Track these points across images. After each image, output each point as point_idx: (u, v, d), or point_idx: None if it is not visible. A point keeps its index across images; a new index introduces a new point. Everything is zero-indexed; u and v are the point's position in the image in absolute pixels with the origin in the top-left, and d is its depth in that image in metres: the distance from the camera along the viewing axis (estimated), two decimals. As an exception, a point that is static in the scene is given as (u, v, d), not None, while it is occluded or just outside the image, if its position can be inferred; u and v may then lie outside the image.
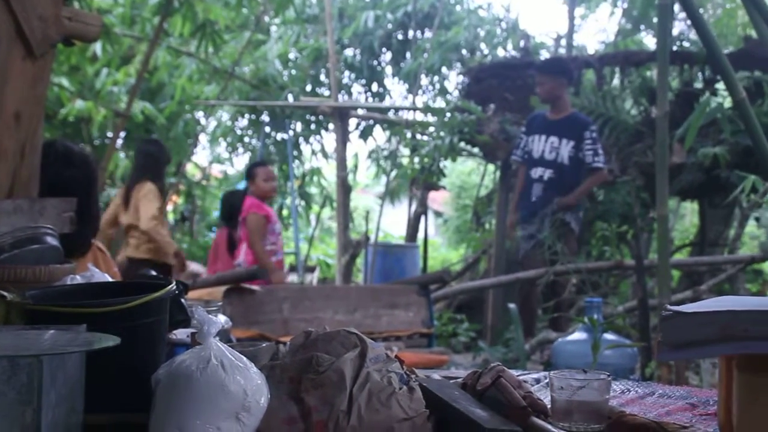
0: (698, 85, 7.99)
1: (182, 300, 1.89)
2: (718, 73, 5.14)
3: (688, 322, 1.23)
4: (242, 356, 1.37)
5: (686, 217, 13.56)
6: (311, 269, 11.97)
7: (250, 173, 7.05)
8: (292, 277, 10.89)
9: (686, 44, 8.84)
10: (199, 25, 8.40)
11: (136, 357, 1.44)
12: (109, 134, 11.13)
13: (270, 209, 6.93)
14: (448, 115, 8.31)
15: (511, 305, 4.94)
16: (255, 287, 4.86)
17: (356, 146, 15.02)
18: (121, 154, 11.18)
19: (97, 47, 8.81)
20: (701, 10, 9.18)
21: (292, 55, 12.27)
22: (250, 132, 13.10)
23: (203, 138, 13.75)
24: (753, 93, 6.97)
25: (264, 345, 1.64)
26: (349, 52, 12.06)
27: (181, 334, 1.91)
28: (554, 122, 6.26)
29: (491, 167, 9.74)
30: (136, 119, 10.01)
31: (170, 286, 1.55)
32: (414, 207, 10.35)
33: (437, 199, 15.14)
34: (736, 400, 1.24)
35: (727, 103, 6.78)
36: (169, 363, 1.35)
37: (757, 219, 9.09)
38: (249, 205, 6.65)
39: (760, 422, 1.19)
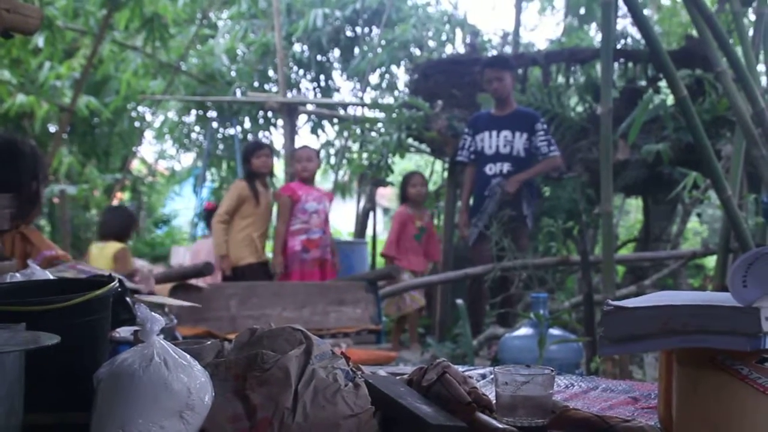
0: (642, 82, 8.10)
1: (127, 298, 1.87)
2: (661, 71, 5.22)
3: (628, 316, 1.25)
4: (186, 354, 1.35)
5: (631, 213, 13.76)
6: (260, 266, 11.86)
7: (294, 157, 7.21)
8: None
9: (630, 42, 8.96)
10: (147, 19, 8.29)
11: (77, 355, 1.42)
12: (53, 129, 10.94)
13: (306, 188, 6.91)
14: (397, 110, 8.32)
15: (459, 301, 4.96)
16: (202, 284, 4.80)
17: (305, 142, 14.97)
18: (65, 150, 10.98)
19: (40, 40, 8.65)
20: (645, 9, 9.32)
21: (239, 51, 12.18)
22: (197, 128, 12.97)
23: (149, 134, 13.59)
24: (694, 91, 7.09)
25: (209, 342, 1.63)
26: (297, 47, 12.01)
27: (124, 332, 1.89)
28: (503, 118, 6.30)
29: (439, 163, 9.78)
30: (80, 114, 9.85)
31: (111, 284, 1.52)
32: (362, 203, 10.35)
33: (386, 195, 15.15)
34: (675, 393, 1.26)
35: (670, 100, 6.89)
36: (111, 361, 1.33)
37: (699, 215, 9.26)
38: (282, 188, 7.04)
39: (698, 414, 1.21)
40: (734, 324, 1.13)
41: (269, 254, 7.11)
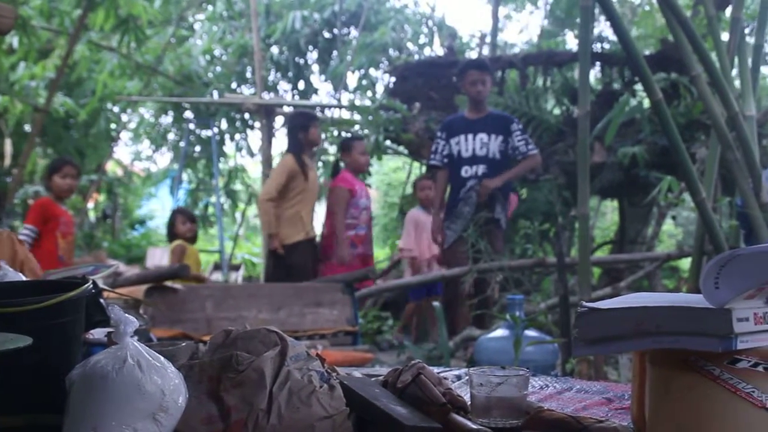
0: (618, 85, 8.16)
1: (101, 300, 1.85)
2: (637, 74, 5.26)
3: (602, 318, 1.25)
4: (160, 356, 1.34)
5: (607, 215, 13.85)
6: (236, 267, 11.87)
7: (346, 146, 7.08)
8: (216, 276, 10.79)
9: (607, 46, 9.02)
10: (122, 20, 8.25)
11: (50, 357, 1.41)
12: (27, 129, 10.86)
13: (359, 183, 6.97)
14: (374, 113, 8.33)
15: (436, 303, 4.97)
16: (177, 286, 4.78)
17: (282, 144, 14.96)
18: (39, 151, 10.91)
19: (14, 40, 8.59)
20: (621, 14, 9.37)
21: (216, 52, 12.15)
22: (174, 129, 12.93)
23: (125, 135, 13.52)
24: (670, 94, 7.15)
25: (183, 344, 1.62)
26: (275, 49, 11.99)
27: (98, 333, 1.87)
28: (477, 120, 6.31)
29: (417, 165, 9.80)
30: (55, 115, 9.78)
31: (85, 286, 1.51)
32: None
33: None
34: (648, 394, 1.27)
35: (646, 103, 6.94)
36: (84, 363, 1.32)
37: (674, 218, 9.34)
38: (339, 179, 6.86)
39: (670, 415, 1.22)
40: (706, 325, 1.14)
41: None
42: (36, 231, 6.22)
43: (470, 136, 6.27)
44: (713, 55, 4.25)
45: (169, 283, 4.70)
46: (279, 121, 11.51)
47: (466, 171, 6.26)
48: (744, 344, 1.14)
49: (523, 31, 14.26)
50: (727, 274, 1.12)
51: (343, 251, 6.58)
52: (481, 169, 6.22)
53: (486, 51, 11.38)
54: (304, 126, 6.76)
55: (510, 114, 6.91)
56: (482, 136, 6.24)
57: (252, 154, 12.95)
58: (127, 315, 1.34)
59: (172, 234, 7.71)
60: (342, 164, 7.05)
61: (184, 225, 7.75)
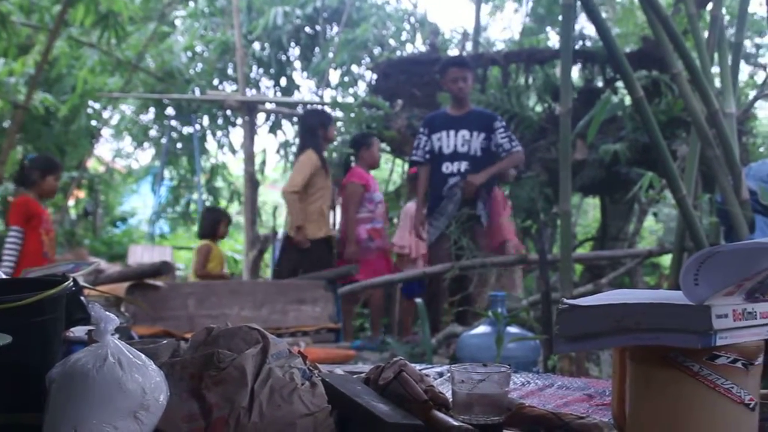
0: (600, 83, 8.18)
1: (82, 297, 1.84)
2: (618, 72, 5.28)
3: (583, 314, 1.26)
4: (141, 354, 1.34)
5: (589, 212, 13.89)
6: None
7: (365, 142, 7.07)
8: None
9: (589, 43, 9.05)
10: (102, 15, 8.20)
11: (30, 356, 1.40)
12: (6, 125, 10.78)
13: (371, 178, 7.00)
14: (356, 110, 8.32)
15: (418, 300, 4.97)
16: (159, 283, 4.76)
17: (265, 141, 14.93)
18: (19, 148, 10.83)
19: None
20: (602, 11, 9.41)
21: (198, 48, 12.10)
22: (155, 126, 12.87)
23: (106, 131, 13.45)
24: (651, 92, 7.18)
25: (164, 342, 1.62)
26: (256, 45, 11.95)
27: (79, 332, 1.86)
28: (460, 117, 6.32)
29: (399, 162, 9.80)
30: (35, 111, 9.72)
31: (65, 284, 1.50)
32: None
33: (346, 194, 15.12)
34: (628, 390, 1.28)
35: (627, 101, 6.97)
36: (64, 361, 1.31)
37: (655, 214, 9.39)
38: (351, 174, 6.91)
39: (650, 410, 1.22)
40: (686, 322, 1.14)
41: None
42: (22, 231, 6.20)
43: (452, 133, 6.28)
44: (694, 53, 4.28)
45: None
46: (261, 117, 11.49)
47: (447, 167, 6.27)
48: (723, 340, 1.14)
49: (506, 29, 14.27)
50: (707, 270, 1.13)
51: (351, 247, 6.59)
52: (462, 165, 6.23)
53: (468, 48, 11.39)
54: (323, 123, 6.83)
55: (493, 112, 6.93)
56: (464, 133, 6.25)
57: (234, 151, 12.92)
58: (107, 313, 1.33)
59: (208, 233, 7.69)
60: (353, 160, 7.07)
61: (226, 228, 7.86)
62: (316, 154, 6.55)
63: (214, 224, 7.67)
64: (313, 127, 6.75)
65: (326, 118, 6.97)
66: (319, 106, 9.57)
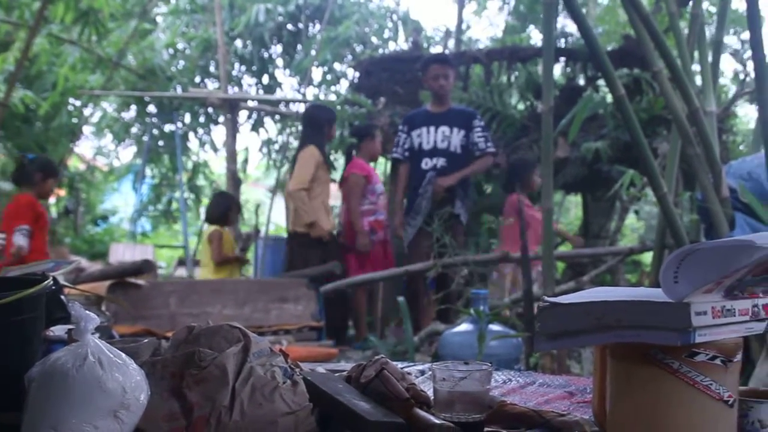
0: (582, 81, 8.20)
1: (62, 296, 1.83)
2: (600, 70, 5.30)
3: (563, 312, 1.26)
4: (121, 353, 1.33)
5: (571, 210, 13.94)
6: (200, 263, 11.78)
7: (368, 133, 7.01)
8: (181, 271, 10.72)
9: (571, 41, 9.08)
10: (83, 12, 8.15)
11: (9, 355, 1.39)
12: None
13: (372, 170, 6.97)
14: (339, 108, 8.30)
15: (400, 298, 4.97)
16: (141, 282, 4.74)
17: (247, 139, 14.88)
18: None
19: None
20: (584, 9, 9.44)
21: (180, 46, 12.05)
22: (137, 124, 12.80)
23: (87, 129, 13.37)
24: (632, 90, 7.21)
25: (145, 341, 1.61)
26: (239, 43, 11.92)
27: (59, 331, 1.85)
28: (440, 114, 6.34)
29: (382, 160, 9.78)
30: (16, 109, 9.65)
31: (45, 283, 1.50)
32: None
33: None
34: (609, 388, 1.29)
35: (609, 99, 6.99)
36: (43, 361, 1.30)
37: (637, 212, 9.42)
38: (352, 166, 6.83)
39: (630, 407, 1.23)
40: (665, 319, 1.15)
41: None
42: (31, 230, 6.21)
43: (432, 129, 6.30)
44: (674, 52, 4.30)
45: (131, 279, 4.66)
46: (243, 115, 11.45)
47: (426, 163, 6.29)
48: (702, 338, 1.15)
49: (490, 26, 14.28)
50: (686, 268, 1.13)
51: (364, 239, 6.56)
52: (440, 161, 6.25)
53: (451, 46, 11.40)
54: (329, 120, 6.81)
55: (474, 109, 6.94)
56: (444, 129, 6.28)
57: (215, 149, 12.88)
58: (87, 312, 1.32)
59: (218, 219, 7.56)
60: (354, 152, 7.04)
61: (235, 215, 7.77)
62: (318, 149, 6.53)
63: (224, 210, 7.53)
64: (320, 123, 6.72)
65: (332, 116, 6.95)
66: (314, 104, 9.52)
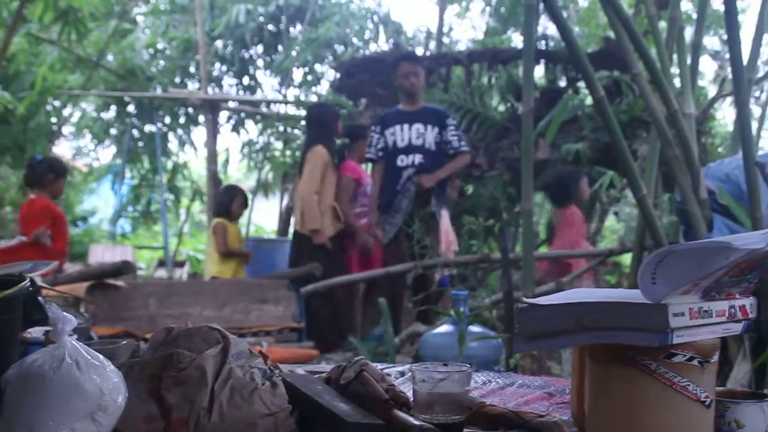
0: (562, 83, 8.24)
1: (39, 298, 1.82)
2: (580, 72, 5.32)
3: (542, 314, 1.27)
4: (99, 354, 1.32)
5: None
6: (181, 264, 11.75)
7: (361, 133, 6.96)
8: (161, 273, 10.66)
9: (551, 44, 9.11)
10: (62, 12, 8.09)
11: (-15, 357, 1.38)
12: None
13: (363, 172, 6.94)
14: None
15: (381, 299, 4.98)
16: (120, 283, 4.72)
17: (228, 139, 14.83)
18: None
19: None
20: (564, 12, 9.48)
21: (160, 46, 11.99)
22: (116, 124, 12.73)
23: (66, 129, 13.28)
24: (612, 92, 7.25)
25: (123, 342, 1.60)
26: (219, 43, 11.87)
27: (36, 332, 1.84)
28: (413, 112, 6.35)
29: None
30: (-7, 109, 9.59)
31: (22, 284, 1.48)
32: (286, 201, 10.30)
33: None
34: (587, 388, 1.29)
35: (589, 101, 7.02)
36: (20, 363, 1.29)
37: (616, 213, 9.46)
38: (344, 167, 6.77)
39: (608, 408, 1.23)
40: (643, 320, 1.15)
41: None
42: (51, 235, 6.26)
43: (406, 126, 6.31)
44: (654, 54, 4.32)
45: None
46: (224, 116, 11.41)
47: (402, 160, 6.30)
48: (680, 339, 1.16)
49: (472, 28, 14.29)
50: (664, 269, 1.14)
51: (363, 236, 6.53)
52: (417, 158, 6.26)
53: (432, 47, 11.42)
54: (335, 118, 6.78)
55: (446, 108, 6.95)
56: (418, 126, 6.29)
57: (195, 149, 12.83)
58: (65, 313, 1.31)
59: (221, 211, 7.53)
60: (346, 152, 7.01)
61: (240, 207, 7.67)
62: (325, 149, 6.49)
63: (228, 202, 7.49)
64: (325, 121, 6.68)
65: (336, 112, 6.92)
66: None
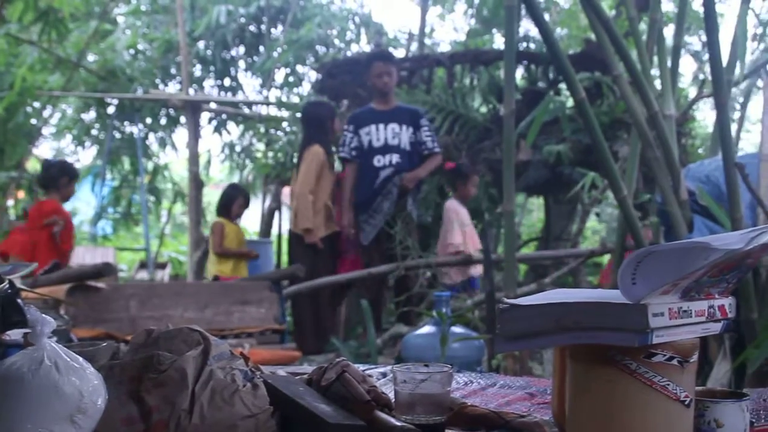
0: (543, 84, 8.26)
1: (18, 300, 1.81)
2: (561, 73, 5.34)
3: (523, 314, 1.27)
4: (78, 357, 1.32)
5: (533, 212, 14.03)
6: (162, 266, 11.71)
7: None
8: (142, 274, 10.62)
9: (532, 45, 9.14)
10: (42, 12, 8.04)
11: (-37, 360, 1.37)
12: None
13: None
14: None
15: (363, 301, 4.97)
16: (101, 285, 4.68)
17: (210, 141, 14.77)
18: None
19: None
20: (546, 14, 9.50)
21: (141, 47, 11.93)
22: (97, 125, 12.66)
23: (46, 131, 13.20)
24: (593, 93, 7.28)
25: (103, 344, 1.59)
26: (200, 44, 11.83)
27: (15, 335, 1.83)
28: (387, 112, 6.35)
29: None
30: (-28, 110, 9.51)
31: (0, 286, 1.47)
32: (268, 202, 10.28)
33: (292, 195, 15.06)
34: (568, 388, 1.30)
35: (570, 102, 7.04)
36: (-2, 365, 1.29)
37: (598, 214, 9.51)
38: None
39: (589, 408, 1.24)
40: (623, 320, 1.16)
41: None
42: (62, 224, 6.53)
43: (381, 126, 6.31)
44: (634, 56, 4.34)
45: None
46: (205, 117, 11.37)
47: (378, 161, 6.29)
48: (659, 338, 1.16)
49: (454, 29, 14.31)
50: (644, 270, 1.14)
51: (347, 217, 6.46)
52: (394, 158, 6.27)
53: (414, 48, 11.43)
54: (332, 116, 6.75)
55: (419, 107, 6.97)
56: (394, 126, 6.30)
57: (176, 149, 12.78)
58: (44, 315, 1.31)
59: (222, 211, 7.53)
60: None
61: (241, 207, 7.66)
62: (322, 148, 6.46)
63: (227, 202, 7.49)
64: (322, 120, 6.64)
65: (332, 110, 6.90)
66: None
